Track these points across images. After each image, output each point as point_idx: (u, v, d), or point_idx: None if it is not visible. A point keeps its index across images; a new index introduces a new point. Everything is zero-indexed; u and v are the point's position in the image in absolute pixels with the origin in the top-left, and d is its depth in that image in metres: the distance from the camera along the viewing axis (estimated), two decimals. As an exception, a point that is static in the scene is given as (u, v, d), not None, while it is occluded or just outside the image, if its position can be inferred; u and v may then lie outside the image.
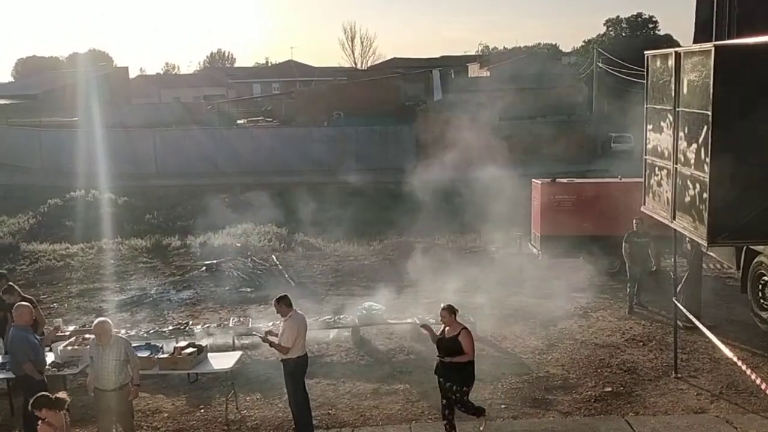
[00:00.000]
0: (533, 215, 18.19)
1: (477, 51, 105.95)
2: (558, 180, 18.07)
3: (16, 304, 9.78)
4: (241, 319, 13.36)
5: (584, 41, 72.80)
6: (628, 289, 14.69)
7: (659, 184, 10.40)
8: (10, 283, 11.58)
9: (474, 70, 74.94)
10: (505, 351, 12.57)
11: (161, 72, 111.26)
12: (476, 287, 16.20)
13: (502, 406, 10.34)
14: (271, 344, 9.57)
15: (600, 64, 47.85)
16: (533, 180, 18.33)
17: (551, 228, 17.20)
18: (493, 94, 40.70)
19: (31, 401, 6.70)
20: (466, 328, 9.12)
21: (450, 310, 9.10)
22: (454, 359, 8.89)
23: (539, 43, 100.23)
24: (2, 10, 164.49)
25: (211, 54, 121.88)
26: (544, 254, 17.60)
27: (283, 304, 9.44)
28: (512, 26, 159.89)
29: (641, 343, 12.73)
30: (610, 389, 10.81)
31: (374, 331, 13.42)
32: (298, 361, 9.43)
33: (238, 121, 49.96)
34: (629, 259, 14.44)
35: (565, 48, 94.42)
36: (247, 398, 10.74)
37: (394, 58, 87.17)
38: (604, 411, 10.15)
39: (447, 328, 9.13)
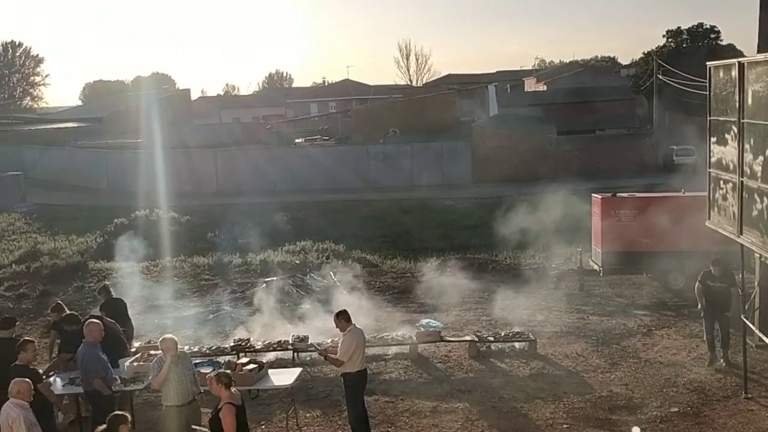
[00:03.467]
0: (594, 231, 17.93)
1: (533, 65, 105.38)
2: (619, 194, 17.79)
3: (87, 321, 10.13)
4: (301, 335, 13.48)
5: (644, 53, 71.38)
6: (705, 335, 12.71)
7: (724, 198, 10.13)
8: (59, 301, 12.11)
9: (530, 84, 74.38)
10: (567, 370, 12.35)
11: (221, 93, 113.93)
12: (536, 304, 16.00)
13: (565, 426, 10.15)
14: (327, 357, 9.74)
15: (660, 76, 46.94)
16: (593, 195, 18.08)
17: (612, 244, 16.92)
18: (550, 108, 40.35)
19: (108, 419, 6.88)
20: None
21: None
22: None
23: (597, 56, 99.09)
24: (72, 37, 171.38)
25: (270, 75, 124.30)
26: (605, 270, 17.31)
27: (342, 318, 9.58)
28: (569, 40, 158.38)
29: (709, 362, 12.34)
30: (676, 409, 10.50)
31: (432, 348, 13.37)
32: (358, 376, 9.53)
33: (296, 141, 50.66)
34: (704, 304, 12.52)
35: (624, 60, 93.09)
36: (307, 415, 10.81)
37: (449, 75, 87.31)
38: (671, 432, 9.87)
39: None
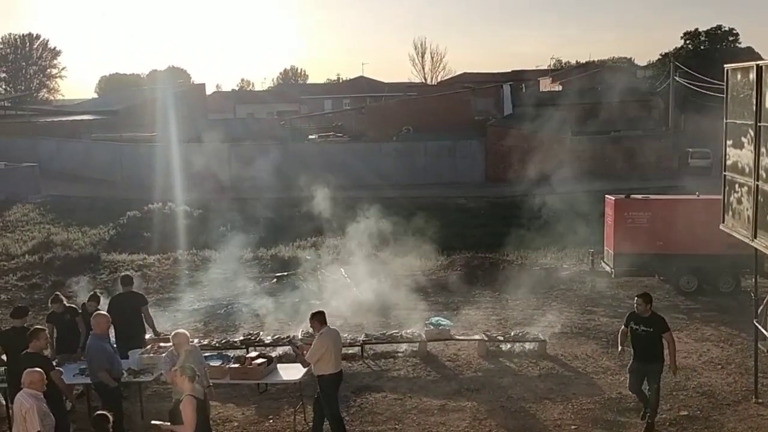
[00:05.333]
0: (606, 232, 17.85)
1: (549, 65, 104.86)
2: (632, 196, 17.70)
3: (94, 314, 10.20)
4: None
5: (661, 54, 70.88)
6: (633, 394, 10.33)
7: (739, 202, 10.04)
8: (57, 293, 12.16)
9: (546, 84, 74.07)
10: (576, 371, 12.30)
11: (236, 88, 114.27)
12: (547, 305, 15.95)
13: (573, 427, 10.11)
14: (298, 356, 9.86)
15: (677, 78, 46.59)
16: (606, 196, 18.00)
17: (625, 245, 16.84)
18: (565, 108, 40.12)
19: (92, 418, 6.94)
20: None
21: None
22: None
23: (613, 57, 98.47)
24: (89, 30, 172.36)
25: (285, 71, 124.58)
26: (617, 272, 17.24)
27: (316, 320, 9.58)
28: (585, 40, 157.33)
29: (719, 366, 12.26)
30: (686, 413, 10.44)
31: (441, 346, 13.36)
32: (332, 378, 9.51)
33: (310, 136, 50.71)
34: (622, 351, 10.33)
35: (641, 62, 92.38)
36: (315, 410, 10.80)
37: (464, 73, 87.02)
38: (680, 436, 9.80)
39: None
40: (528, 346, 13.20)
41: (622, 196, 17.57)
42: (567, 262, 19.77)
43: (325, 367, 9.42)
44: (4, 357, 10.20)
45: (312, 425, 9.85)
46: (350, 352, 13.18)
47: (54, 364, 9.52)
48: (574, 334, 14.16)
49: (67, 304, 11.70)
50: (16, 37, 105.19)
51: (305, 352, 9.70)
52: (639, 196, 17.85)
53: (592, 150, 39.56)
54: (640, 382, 9.93)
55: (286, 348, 12.97)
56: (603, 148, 40.08)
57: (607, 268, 17.59)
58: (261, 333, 13.70)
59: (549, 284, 17.37)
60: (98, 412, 6.99)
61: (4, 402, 10.17)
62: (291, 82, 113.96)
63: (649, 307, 9.73)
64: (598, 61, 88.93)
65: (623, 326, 10.01)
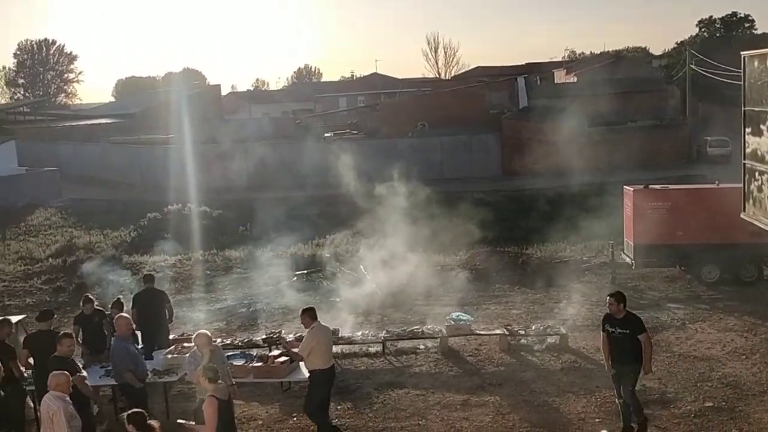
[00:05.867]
0: (626, 223, 17.75)
1: (563, 57, 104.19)
2: (651, 186, 17.58)
3: (117, 316, 10.36)
4: (331, 328, 13.52)
5: (676, 43, 70.50)
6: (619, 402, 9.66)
7: (760, 190, 9.97)
8: (88, 294, 12.35)
9: (560, 76, 73.59)
10: (599, 363, 12.22)
11: (251, 88, 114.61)
12: (567, 298, 15.91)
13: (597, 420, 10.10)
14: (289, 352, 10.04)
15: (693, 66, 46.16)
16: (625, 187, 17.89)
17: (645, 236, 16.74)
18: (580, 99, 39.86)
19: (126, 415, 7.04)
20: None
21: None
22: None
23: (628, 47, 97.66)
24: (104, 34, 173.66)
25: (298, 69, 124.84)
26: (638, 263, 17.15)
27: (307, 315, 9.71)
28: (599, 31, 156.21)
29: (744, 356, 12.17)
30: (710, 404, 10.38)
31: (462, 341, 13.37)
32: (325, 373, 9.62)
33: (324, 135, 50.78)
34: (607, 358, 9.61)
35: (656, 51, 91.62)
36: (338, 407, 10.87)
37: (478, 67, 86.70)
38: (705, 427, 9.76)
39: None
40: (549, 339, 13.18)
41: (641, 186, 17.46)
42: (587, 255, 19.68)
43: (316, 362, 9.54)
44: (31, 360, 10.34)
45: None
46: (372, 349, 13.24)
47: (81, 365, 9.67)
48: (596, 326, 14.05)
49: (97, 307, 11.86)
50: (33, 43, 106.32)
51: (294, 349, 9.89)
52: (658, 186, 17.73)
53: (609, 141, 39.30)
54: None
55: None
56: (620, 138, 39.80)
57: (628, 260, 17.50)
58: (283, 331, 13.78)
59: (569, 277, 17.31)
60: (134, 410, 7.07)
61: (32, 404, 10.32)
62: (305, 80, 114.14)
63: (622, 307, 9.30)
64: (612, 51, 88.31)
65: (601, 331, 9.51)
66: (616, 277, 17.35)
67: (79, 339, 11.35)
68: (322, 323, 9.92)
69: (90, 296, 12.10)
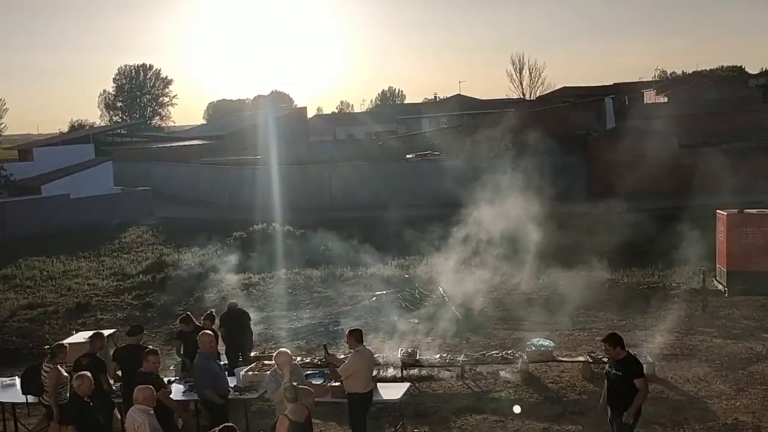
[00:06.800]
0: (719, 249, 17.04)
1: (653, 77, 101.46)
2: (746, 210, 16.82)
3: (201, 333, 10.63)
4: (409, 350, 13.48)
5: (774, 61, 67.37)
6: None
7: None
8: (188, 313, 12.79)
9: (650, 96, 71.63)
10: (687, 395, 11.74)
11: (336, 111, 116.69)
12: (654, 325, 15.34)
13: (684, 454, 9.64)
14: (329, 363, 10.03)
15: (793, 85, 44.07)
16: (718, 211, 17.20)
17: (739, 263, 16.03)
18: (671, 120, 38.68)
19: (218, 429, 7.22)
20: None
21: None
22: None
23: (723, 66, 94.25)
24: (197, 58, 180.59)
25: (382, 92, 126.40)
26: (731, 291, 16.40)
27: (353, 337, 9.72)
28: (691, 50, 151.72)
29: None
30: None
31: (543, 368, 13.05)
32: (364, 397, 9.57)
33: (407, 156, 51.04)
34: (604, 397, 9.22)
35: (752, 69, 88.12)
36: (415, 430, 10.79)
37: (564, 87, 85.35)
38: (804, 466, 9.17)
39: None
40: (635, 368, 12.68)
41: (735, 210, 16.74)
42: (676, 281, 18.94)
43: (355, 385, 9.53)
44: (119, 373, 10.73)
45: None
46: (450, 373, 13.10)
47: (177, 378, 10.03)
48: (685, 356, 13.53)
49: (198, 324, 12.24)
50: (132, 67, 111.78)
51: (336, 363, 9.90)
52: (753, 211, 16.96)
53: (702, 163, 37.88)
54: None
55: (390, 371, 13.04)
56: (713, 160, 38.31)
57: (720, 287, 16.76)
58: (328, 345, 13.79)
59: (657, 304, 16.70)
60: (226, 425, 7.28)
61: (119, 416, 10.69)
62: (389, 102, 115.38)
63: (619, 350, 8.68)
64: (706, 70, 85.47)
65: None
66: (707, 304, 16.61)
67: (180, 351, 12.00)
68: (367, 347, 9.99)
69: (190, 316, 12.52)
